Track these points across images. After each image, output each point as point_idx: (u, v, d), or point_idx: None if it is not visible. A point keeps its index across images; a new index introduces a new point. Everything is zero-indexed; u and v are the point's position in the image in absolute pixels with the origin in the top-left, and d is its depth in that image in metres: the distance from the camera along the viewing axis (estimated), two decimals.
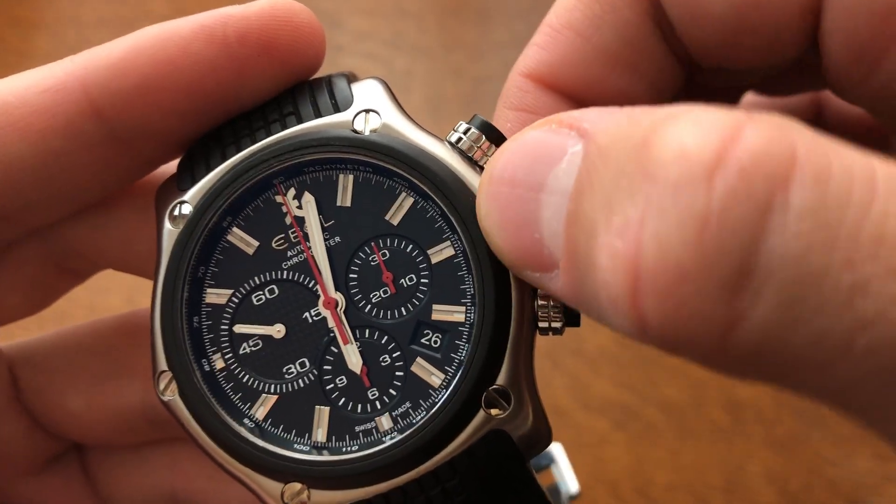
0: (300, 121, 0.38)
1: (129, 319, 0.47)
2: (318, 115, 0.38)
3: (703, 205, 0.24)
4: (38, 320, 0.48)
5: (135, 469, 0.48)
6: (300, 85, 0.39)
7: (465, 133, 0.37)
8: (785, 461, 0.73)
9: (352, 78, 0.40)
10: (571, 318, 0.36)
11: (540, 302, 0.36)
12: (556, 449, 0.62)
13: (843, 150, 0.25)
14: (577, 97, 0.40)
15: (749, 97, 0.49)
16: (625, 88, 0.39)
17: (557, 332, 0.37)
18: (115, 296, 0.80)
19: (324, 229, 0.38)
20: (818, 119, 0.50)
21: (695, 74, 0.42)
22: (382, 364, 0.38)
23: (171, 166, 0.41)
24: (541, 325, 0.37)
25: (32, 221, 0.41)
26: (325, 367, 0.38)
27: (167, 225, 0.38)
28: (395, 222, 0.38)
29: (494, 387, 0.36)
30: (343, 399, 0.38)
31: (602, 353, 0.80)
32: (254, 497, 0.38)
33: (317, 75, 0.40)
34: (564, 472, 0.61)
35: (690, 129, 0.25)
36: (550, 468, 0.62)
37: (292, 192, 0.39)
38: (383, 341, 0.38)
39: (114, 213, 0.43)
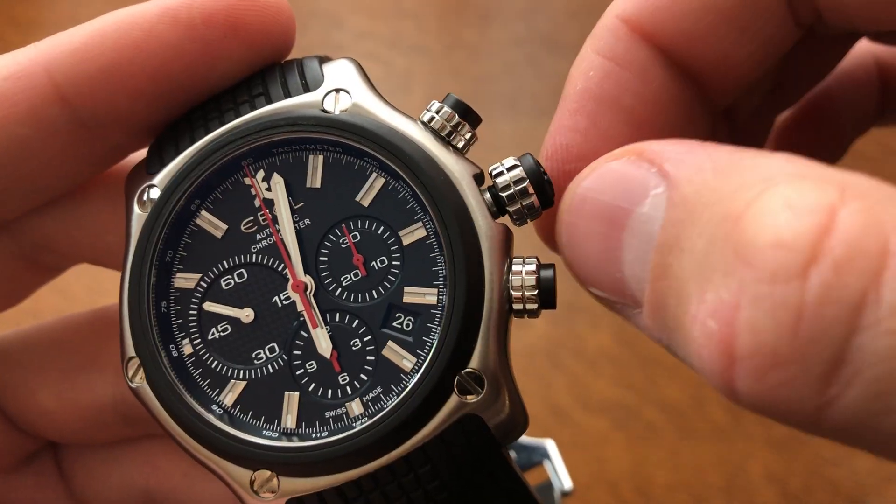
0: (269, 101, 0.37)
1: (101, 314, 0.47)
2: (288, 95, 0.38)
3: (798, 298, 0.25)
4: (38, 319, 0.48)
5: (109, 467, 0.48)
6: (271, 67, 0.39)
7: (437, 112, 0.37)
8: (785, 461, 0.73)
9: (324, 59, 0.39)
10: (547, 300, 0.36)
11: (514, 283, 0.36)
12: (548, 445, 0.62)
13: None
14: (673, 53, 0.38)
15: (864, 45, 0.48)
16: (728, 50, 0.38)
17: (533, 314, 0.36)
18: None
19: (293, 211, 0.38)
20: None
21: (811, 31, 0.40)
22: (353, 348, 0.37)
23: (143, 154, 0.41)
24: (515, 307, 0.36)
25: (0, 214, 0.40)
26: (295, 352, 0.37)
27: (136, 209, 0.38)
28: (366, 203, 0.37)
29: (467, 370, 0.35)
30: (313, 384, 0.37)
31: (602, 353, 0.79)
32: (227, 494, 0.37)
33: None
34: (557, 468, 0.61)
35: (785, 216, 0.25)
36: (543, 464, 0.62)
37: (261, 174, 0.38)
38: (354, 325, 0.37)
39: (83, 204, 0.42)
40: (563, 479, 0.60)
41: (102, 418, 0.45)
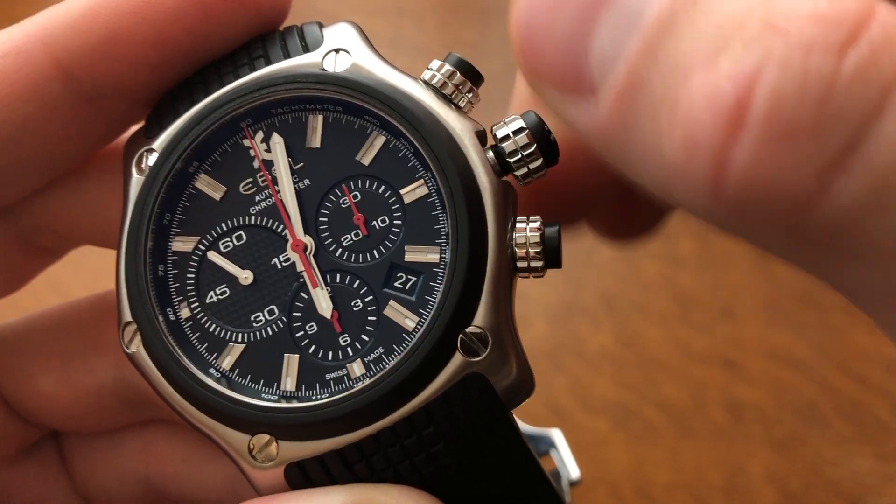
0: (269, 63, 0.37)
1: (102, 298, 0.46)
2: (287, 56, 0.37)
3: (832, 72, 0.23)
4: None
5: (110, 456, 0.47)
6: (270, 32, 0.39)
7: (438, 70, 0.37)
8: (785, 461, 0.73)
9: (324, 25, 0.39)
10: (552, 258, 0.35)
11: (518, 240, 0.35)
12: (555, 434, 0.61)
13: None
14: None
15: None
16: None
17: (537, 272, 0.35)
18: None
19: (293, 172, 0.37)
20: None
21: None
22: (354, 309, 0.37)
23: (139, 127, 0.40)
24: (519, 264, 0.35)
25: (2, 198, 0.40)
26: (295, 313, 0.37)
27: (134, 174, 0.38)
28: (367, 162, 0.37)
29: (471, 329, 0.34)
30: (313, 346, 0.37)
31: (602, 353, 0.79)
32: (227, 478, 0.37)
33: None
34: (564, 457, 0.60)
35: None
36: (550, 453, 0.61)
37: (260, 135, 0.38)
38: (355, 285, 0.37)
39: (82, 183, 0.42)
40: (570, 468, 0.60)
41: (104, 403, 0.45)
